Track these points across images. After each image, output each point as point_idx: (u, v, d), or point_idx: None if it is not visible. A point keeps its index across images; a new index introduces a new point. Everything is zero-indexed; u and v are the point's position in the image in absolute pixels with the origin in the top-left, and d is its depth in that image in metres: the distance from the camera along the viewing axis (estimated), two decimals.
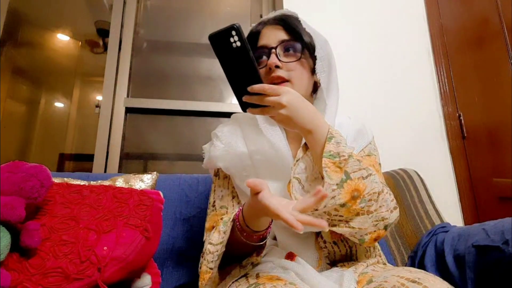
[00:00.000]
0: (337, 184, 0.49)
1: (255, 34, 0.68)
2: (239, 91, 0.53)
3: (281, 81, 0.62)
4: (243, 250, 0.56)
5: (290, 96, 0.52)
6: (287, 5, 1.45)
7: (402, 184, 1.03)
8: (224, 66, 0.52)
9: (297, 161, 0.57)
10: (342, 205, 0.50)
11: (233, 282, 0.51)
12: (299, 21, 0.66)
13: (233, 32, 0.48)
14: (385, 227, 0.54)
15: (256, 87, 0.51)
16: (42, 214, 0.63)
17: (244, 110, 0.55)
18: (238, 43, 0.49)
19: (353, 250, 0.62)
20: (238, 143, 0.65)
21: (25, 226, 0.55)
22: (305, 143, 0.58)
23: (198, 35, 1.68)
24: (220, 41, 0.49)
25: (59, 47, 1.92)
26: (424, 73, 1.53)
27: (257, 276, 0.48)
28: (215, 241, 0.55)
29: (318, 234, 0.62)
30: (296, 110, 0.52)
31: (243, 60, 0.50)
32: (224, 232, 0.54)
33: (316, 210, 0.50)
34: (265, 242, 0.55)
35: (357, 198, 0.50)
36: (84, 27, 1.92)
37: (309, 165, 0.56)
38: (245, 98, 0.53)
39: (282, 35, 0.64)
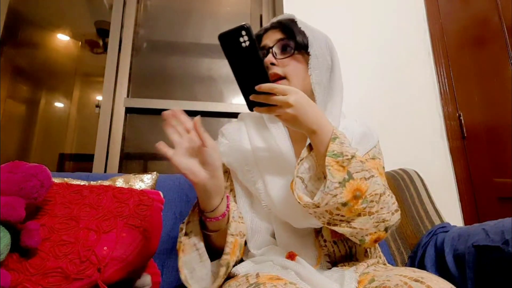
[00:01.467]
0: (339, 183, 0.49)
1: (257, 39, 0.69)
2: (247, 90, 0.53)
3: (277, 78, 0.64)
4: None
5: (297, 96, 0.52)
6: (287, 5, 1.44)
7: (402, 184, 1.03)
8: (233, 65, 0.52)
9: (301, 160, 0.57)
10: (344, 204, 0.50)
11: (233, 282, 0.51)
12: (295, 21, 0.68)
13: (243, 32, 0.49)
14: (386, 229, 0.54)
15: (265, 86, 0.51)
16: (42, 214, 0.63)
17: (250, 109, 0.56)
18: (248, 43, 0.49)
19: (353, 251, 0.62)
20: (243, 140, 0.68)
21: (25, 226, 0.55)
22: (310, 144, 0.58)
23: (198, 35, 1.67)
24: (229, 40, 0.50)
25: (59, 47, 1.91)
26: (424, 73, 1.53)
27: (257, 275, 0.48)
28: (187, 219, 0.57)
29: (318, 233, 0.63)
30: (302, 109, 0.53)
31: (251, 60, 0.51)
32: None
33: (318, 207, 0.50)
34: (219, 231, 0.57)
35: (359, 198, 0.50)
36: (84, 27, 1.92)
37: (313, 165, 0.56)
38: (252, 97, 0.53)
39: (279, 35, 0.67)
